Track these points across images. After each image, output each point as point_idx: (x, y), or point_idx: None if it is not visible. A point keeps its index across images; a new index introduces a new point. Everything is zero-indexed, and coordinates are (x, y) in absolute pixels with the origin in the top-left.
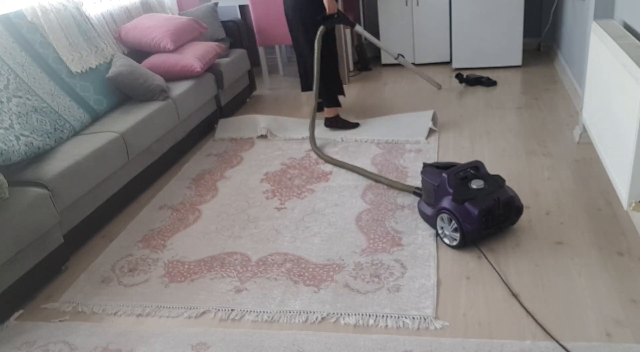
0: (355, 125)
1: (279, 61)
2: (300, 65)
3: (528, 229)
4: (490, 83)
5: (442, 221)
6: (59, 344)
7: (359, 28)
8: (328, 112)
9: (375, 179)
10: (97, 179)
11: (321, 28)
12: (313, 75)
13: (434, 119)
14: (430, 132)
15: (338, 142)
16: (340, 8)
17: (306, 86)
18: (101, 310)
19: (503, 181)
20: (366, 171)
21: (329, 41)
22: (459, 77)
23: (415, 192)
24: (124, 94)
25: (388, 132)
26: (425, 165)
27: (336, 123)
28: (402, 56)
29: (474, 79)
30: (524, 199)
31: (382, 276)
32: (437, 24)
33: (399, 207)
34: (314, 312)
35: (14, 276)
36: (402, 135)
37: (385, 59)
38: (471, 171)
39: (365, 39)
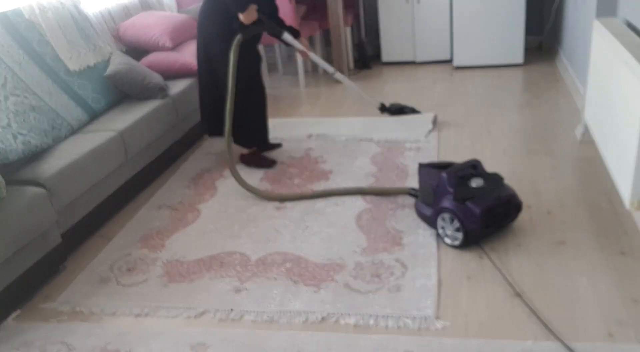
0: (272, 164)
1: (279, 60)
2: (208, 101)
3: (530, 229)
4: (414, 111)
5: (444, 221)
6: (57, 345)
7: (287, 37)
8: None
9: (363, 192)
10: (95, 178)
11: (237, 37)
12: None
13: (434, 121)
14: (429, 132)
15: (338, 142)
16: (340, 7)
17: (216, 128)
18: (99, 310)
19: (501, 178)
20: (347, 189)
21: (253, 68)
22: (382, 107)
23: (411, 193)
24: (122, 92)
25: (388, 134)
26: (421, 165)
27: (252, 160)
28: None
29: (398, 109)
30: (525, 198)
31: (383, 276)
32: (438, 22)
33: (400, 207)
34: (314, 312)
35: (11, 275)
36: (402, 137)
37: (386, 57)
38: (470, 170)
39: (365, 39)
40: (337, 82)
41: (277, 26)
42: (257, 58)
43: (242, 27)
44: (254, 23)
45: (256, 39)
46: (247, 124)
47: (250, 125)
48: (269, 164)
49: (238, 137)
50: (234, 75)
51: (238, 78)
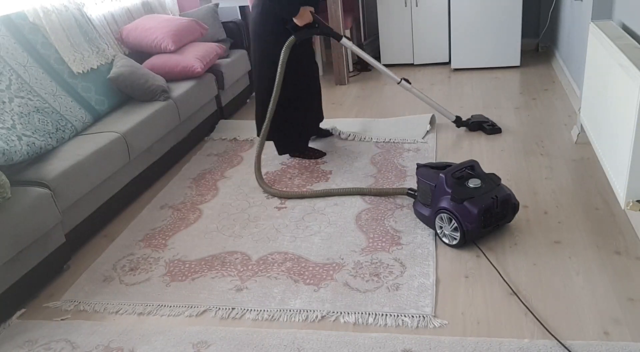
0: (321, 155)
1: None
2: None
3: (526, 229)
4: (493, 130)
5: (442, 221)
6: (61, 343)
7: (346, 42)
8: None
9: (362, 192)
10: (98, 178)
11: (290, 39)
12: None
13: (432, 121)
14: (427, 133)
15: (337, 142)
16: (340, 10)
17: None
18: (102, 309)
19: (499, 179)
20: (346, 189)
21: (307, 69)
22: (457, 121)
23: (409, 193)
24: (125, 94)
25: (386, 134)
26: (419, 166)
27: (299, 153)
28: (407, 81)
29: (475, 124)
30: (522, 198)
31: (382, 275)
32: (436, 25)
33: (398, 207)
34: (313, 311)
35: (16, 275)
36: (400, 137)
37: (385, 59)
38: (467, 171)
39: (365, 41)
40: (338, 84)
41: (334, 30)
42: (312, 60)
43: (295, 29)
44: (308, 26)
45: (308, 40)
46: (294, 128)
47: (299, 130)
48: (318, 154)
49: (280, 142)
50: (281, 75)
51: (293, 81)
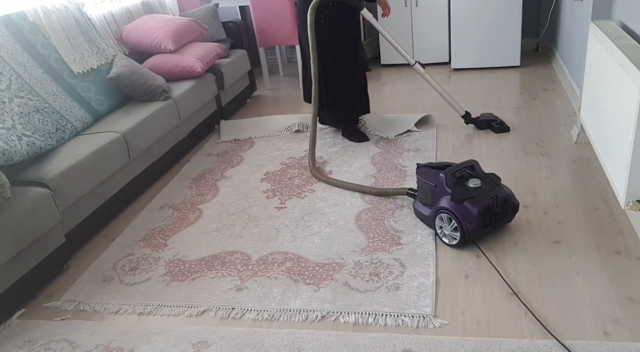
0: (365, 139)
1: (279, 62)
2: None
3: (526, 229)
4: (502, 129)
5: (442, 221)
6: (61, 343)
7: (366, 12)
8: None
9: (364, 191)
10: (98, 178)
11: (315, 0)
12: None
13: (428, 121)
14: (411, 131)
15: (337, 142)
16: None
17: (307, 96)
18: (103, 309)
19: (499, 179)
20: (355, 185)
21: (350, 43)
22: (466, 116)
23: (409, 193)
24: (125, 94)
25: (375, 125)
26: (419, 166)
27: (349, 134)
28: (421, 65)
29: (484, 122)
30: (522, 198)
31: (382, 275)
32: (436, 25)
33: (398, 207)
34: (313, 311)
35: (15, 274)
36: (384, 132)
37: (385, 59)
38: (467, 170)
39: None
40: None
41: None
42: (355, 31)
43: None
44: None
45: (349, 12)
46: (338, 101)
47: (342, 102)
48: (363, 138)
49: (326, 116)
50: (313, 38)
51: (340, 54)
